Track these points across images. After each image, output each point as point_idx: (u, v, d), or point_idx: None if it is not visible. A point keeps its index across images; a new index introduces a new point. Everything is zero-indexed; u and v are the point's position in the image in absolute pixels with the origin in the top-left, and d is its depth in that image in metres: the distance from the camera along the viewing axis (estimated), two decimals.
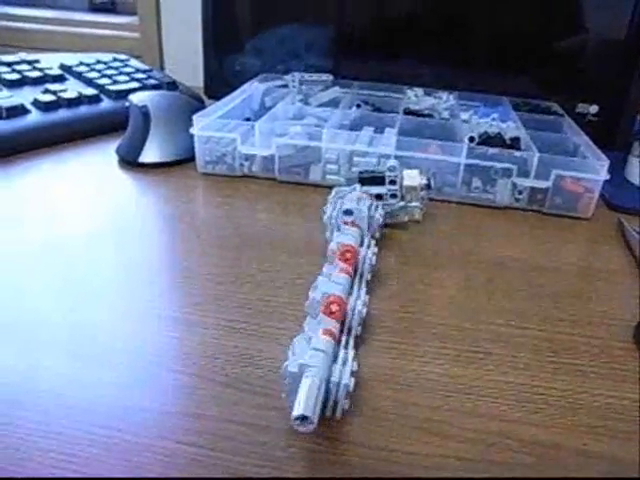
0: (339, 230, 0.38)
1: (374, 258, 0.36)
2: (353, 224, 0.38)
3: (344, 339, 0.29)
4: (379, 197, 0.43)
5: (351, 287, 0.32)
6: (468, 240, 0.44)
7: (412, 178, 0.44)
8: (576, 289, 0.38)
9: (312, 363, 0.25)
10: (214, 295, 0.35)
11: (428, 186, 0.44)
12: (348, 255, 0.34)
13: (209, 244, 0.40)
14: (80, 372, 0.28)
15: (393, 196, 0.43)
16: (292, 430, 0.25)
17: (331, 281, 0.31)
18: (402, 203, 0.44)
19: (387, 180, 0.43)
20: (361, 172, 0.44)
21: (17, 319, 0.31)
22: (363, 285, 0.33)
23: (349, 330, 0.30)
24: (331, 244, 0.35)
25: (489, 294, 0.37)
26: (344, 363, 0.26)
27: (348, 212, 0.39)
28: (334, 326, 0.28)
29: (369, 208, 0.39)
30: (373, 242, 0.38)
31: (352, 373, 0.25)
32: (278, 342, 0.31)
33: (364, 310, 0.30)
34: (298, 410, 0.23)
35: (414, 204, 0.45)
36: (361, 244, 0.37)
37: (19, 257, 0.37)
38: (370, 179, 0.43)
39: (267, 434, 0.25)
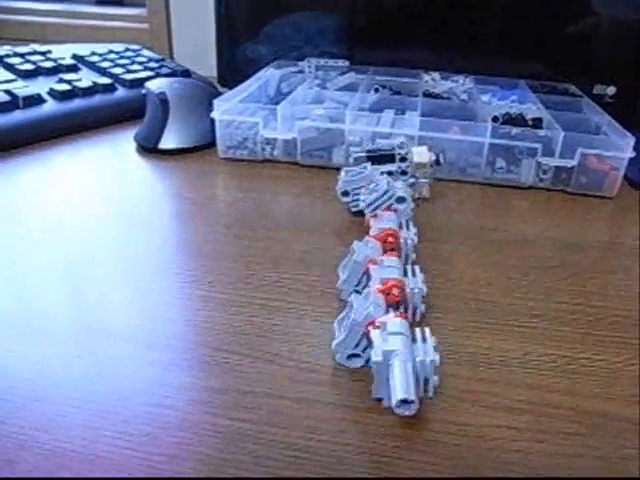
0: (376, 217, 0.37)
1: (416, 238, 0.35)
2: (389, 208, 0.38)
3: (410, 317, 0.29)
4: (389, 174, 0.43)
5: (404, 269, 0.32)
6: (493, 219, 0.44)
7: (421, 155, 0.43)
8: (605, 265, 0.38)
9: (395, 347, 0.24)
10: (244, 275, 0.34)
11: (437, 162, 0.44)
12: (391, 239, 0.34)
13: (234, 227, 0.40)
14: (124, 353, 0.27)
15: (403, 173, 0.43)
16: (343, 404, 0.25)
17: (385, 266, 0.31)
18: (412, 180, 0.44)
19: (397, 157, 0.43)
20: (369, 150, 0.43)
21: (53, 305, 0.31)
22: (415, 267, 0.32)
23: (414, 310, 0.30)
24: (372, 230, 0.35)
25: (519, 270, 0.37)
26: (424, 340, 0.25)
27: (401, 199, 0.38)
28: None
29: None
30: (411, 223, 0.37)
31: (434, 348, 0.25)
32: (316, 319, 0.31)
33: (424, 287, 0.30)
34: (399, 395, 0.22)
35: (423, 181, 0.44)
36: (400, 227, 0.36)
37: (39, 244, 0.37)
38: (379, 157, 0.43)
39: (319, 409, 0.25)
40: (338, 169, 0.44)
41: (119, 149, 0.54)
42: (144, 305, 0.31)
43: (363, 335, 0.26)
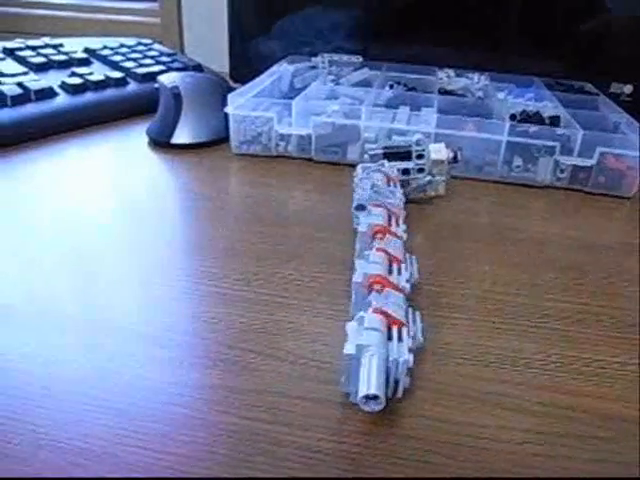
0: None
1: (405, 235, 0.34)
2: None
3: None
4: (406, 172, 0.42)
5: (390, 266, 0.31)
6: (510, 218, 0.43)
7: (439, 152, 0.43)
8: (623, 266, 0.37)
9: (368, 342, 0.24)
10: (258, 271, 0.34)
11: (455, 159, 0.43)
12: (379, 235, 0.33)
13: (247, 223, 0.40)
14: (136, 350, 0.27)
15: (420, 170, 0.42)
16: (355, 404, 0.24)
17: (370, 262, 0.30)
18: (429, 177, 0.43)
19: (414, 154, 0.42)
20: (385, 147, 0.43)
21: (64, 300, 0.31)
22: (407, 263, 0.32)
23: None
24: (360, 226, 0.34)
25: (537, 270, 0.36)
26: (400, 339, 0.25)
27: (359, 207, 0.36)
28: (383, 303, 0.27)
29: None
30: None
31: (410, 350, 0.24)
32: (330, 317, 0.30)
33: (407, 285, 0.29)
34: (366, 389, 0.22)
35: (439, 178, 0.44)
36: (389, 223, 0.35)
37: (50, 238, 0.37)
38: (395, 154, 0.42)
39: (330, 408, 0.24)
40: (353, 166, 0.43)
41: (131, 143, 0.53)
42: (156, 301, 0.31)
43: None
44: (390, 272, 0.29)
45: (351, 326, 0.25)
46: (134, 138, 0.54)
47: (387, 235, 0.32)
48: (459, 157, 0.43)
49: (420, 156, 0.42)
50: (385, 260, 0.30)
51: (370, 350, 0.23)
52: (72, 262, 0.34)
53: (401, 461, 0.22)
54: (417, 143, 0.42)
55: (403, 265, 0.30)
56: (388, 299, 0.27)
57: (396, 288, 0.28)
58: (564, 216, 0.44)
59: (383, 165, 0.40)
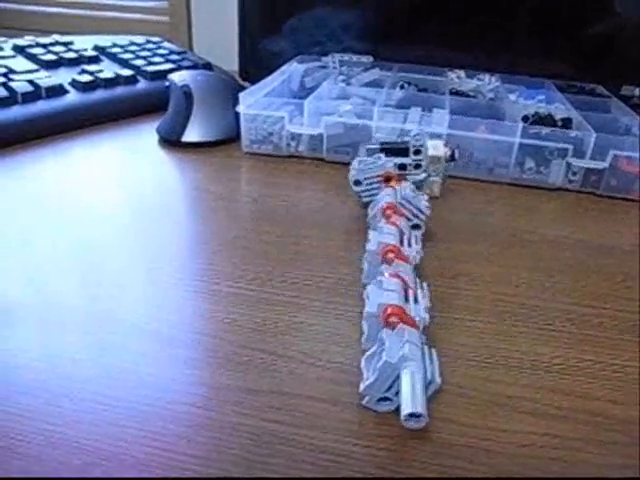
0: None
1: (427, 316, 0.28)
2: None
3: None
4: (402, 167, 0.42)
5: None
6: (520, 220, 0.43)
7: (437, 148, 0.42)
8: (636, 270, 0.37)
9: (411, 356, 0.23)
10: (269, 271, 0.34)
11: (452, 157, 0.43)
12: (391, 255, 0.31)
13: (258, 222, 0.39)
14: (150, 349, 0.27)
15: (417, 166, 0.42)
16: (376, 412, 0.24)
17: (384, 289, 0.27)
18: (425, 175, 0.43)
19: (412, 149, 0.42)
20: (382, 142, 0.43)
21: (76, 299, 0.31)
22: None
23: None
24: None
25: (551, 273, 0.36)
26: (431, 360, 0.25)
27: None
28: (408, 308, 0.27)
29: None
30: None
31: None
32: (344, 318, 0.30)
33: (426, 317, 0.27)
34: (410, 407, 0.22)
35: (435, 178, 0.43)
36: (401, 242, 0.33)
37: (60, 236, 0.36)
38: (392, 149, 0.42)
39: (349, 411, 0.24)
40: None
41: (141, 141, 0.53)
42: (169, 300, 0.31)
43: (397, 378, 0.24)
44: (406, 300, 0.28)
45: (388, 333, 0.25)
46: (144, 136, 0.54)
47: (397, 260, 0.30)
48: (456, 155, 0.43)
49: (417, 152, 0.42)
50: (400, 287, 0.28)
51: (411, 365, 0.23)
52: (82, 261, 0.34)
53: (419, 464, 0.22)
54: (415, 138, 0.42)
55: (420, 292, 0.28)
56: (403, 338, 0.25)
57: (412, 324, 0.26)
58: (576, 219, 0.44)
59: (380, 158, 0.40)
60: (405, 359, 0.23)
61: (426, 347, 0.26)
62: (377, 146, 0.42)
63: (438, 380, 0.24)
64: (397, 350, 0.24)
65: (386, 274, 0.29)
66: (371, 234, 0.33)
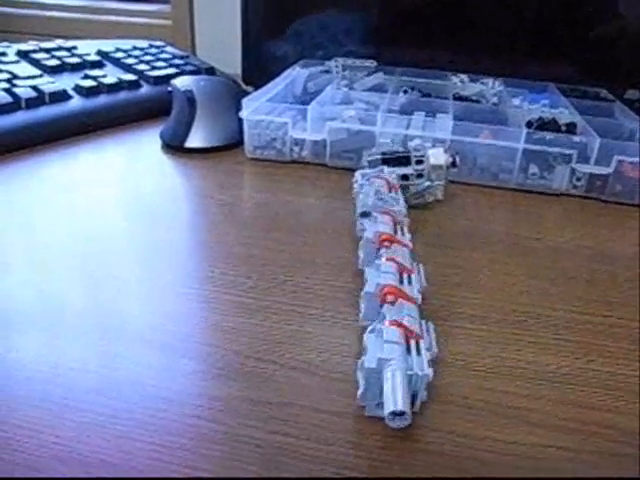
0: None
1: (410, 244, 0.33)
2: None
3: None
4: (405, 177, 0.42)
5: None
6: (524, 226, 0.43)
7: (438, 157, 0.42)
8: None
9: (390, 356, 0.23)
10: (272, 279, 0.34)
11: (454, 164, 0.43)
12: (387, 243, 0.32)
13: (261, 229, 0.39)
14: (155, 361, 0.27)
15: (420, 176, 0.42)
16: (380, 418, 0.24)
17: (381, 271, 0.29)
18: (427, 183, 0.43)
19: (413, 160, 0.42)
20: (384, 153, 0.43)
21: (81, 308, 0.30)
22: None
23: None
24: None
25: (555, 281, 0.36)
26: (418, 353, 0.25)
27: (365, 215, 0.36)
28: (398, 316, 0.27)
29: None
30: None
31: (430, 362, 0.24)
32: (346, 327, 0.30)
33: (419, 296, 0.29)
34: (393, 406, 0.22)
35: (437, 183, 0.43)
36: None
37: (62, 243, 0.36)
38: (394, 160, 0.42)
39: (353, 422, 0.24)
40: None
41: (144, 147, 0.53)
42: (173, 309, 0.30)
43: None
44: (401, 282, 0.29)
45: (369, 338, 0.25)
46: (147, 141, 0.54)
47: (394, 244, 0.32)
48: (457, 162, 0.43)
49: (419, 162, 0.42)
50: (396, 269, 0.30)
51: (392, 364, 0.23)
52: (85, 269, 0.34)
53: (424, 476, 0.22)
54: (416, 148, 0.42)
55: (413, 275, 0.30)
56: (402, 311, 0.27)
57: (409, 299, 0.28)
58: (581, 225, 0.44)
59: (382, 171, 0.40)
60: (385, 361, 0.23)
61: (423, 321, 0.26)
62: (379, 157, 0.42)
63: (436, 350, 0.24)
64: (376, 354, 0.24)
65: (383, 258, 0.29)
66: (366, 224, 0.34)
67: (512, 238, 0.41)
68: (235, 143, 0.52)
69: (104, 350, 0.27)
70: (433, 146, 0.46)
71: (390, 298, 0.27)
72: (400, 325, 0.25)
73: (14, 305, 0.30)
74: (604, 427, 0.25)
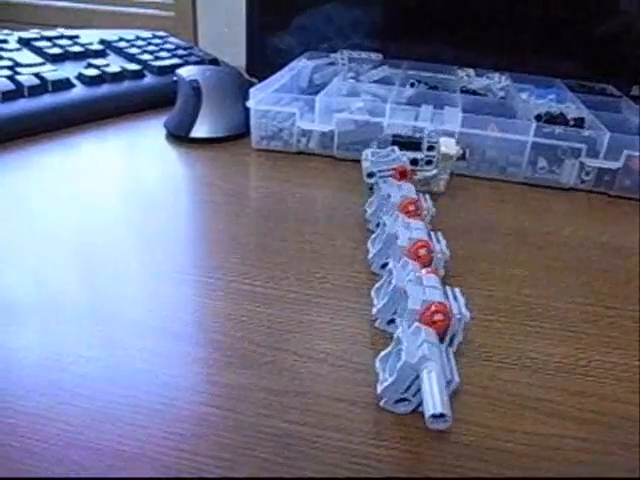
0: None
1: (448, 252, 0.32)
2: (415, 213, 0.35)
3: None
4: (414, 162, 0.41)
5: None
6: (535, 219, 0.42)
7: (449, 146, 0.42)
8: None
9: (431, 357, 0.23)
10: (284, 269, 0.33)
11: (463, 157, 0.43)
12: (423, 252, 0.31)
13: (270, 219, 0.39)
14: (166, 349, 0.26)
15: (429, 162, 0.42)
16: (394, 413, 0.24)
17: (425, 287, 0.27)
18: (435, 171, 0.43)
19: (425, 145, 0.42)
20: (394, 135, 0.42)
21: (90, 297, 0.30)
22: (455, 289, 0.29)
23: (452, 338, 0.27)
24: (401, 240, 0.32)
25: (566, 274, 0.35)
26: (448, 359, 0.24)
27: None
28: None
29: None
30: (439, 234, 0.34)
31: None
32: (359, 316, 0.29)
33: (468, 314, 0.27)
34: (434, 408, 0.21)
35: (443, 174, 0.43)
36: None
37: (65, 232, 0.36)
38: (404, 143, 0.42)
39: (371, 412, 0.24)
40: None
41: (148, 136, 0.52)
42: (183, 298, 0.30)
43: (416, 379, 0.23)
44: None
45: (404, 334, 0.24)
46: (151, 131, 0.53)
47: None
48: (467, 155, 0.43)
49: (431, 147, 0.42)
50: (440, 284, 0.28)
51: (431, 365, 0.23)
52: (89, 257, 0.33)
53: (440, 466, 0.21)
54: (430, 135, 0.42)
55: (457, 290, 0.28)
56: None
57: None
58: (590, 219, 0.43)
59: (394, 151, 0.40)
60: (425, 359, 0.23)
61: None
62: (389, 138, 0.42)
63: (457, 378, 0.23)
64: (416, 350, 0.23)
65: (423, 271, 0.28)
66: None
67: (522, 231, 0.40)
68: (241, 133, 0.52)
69: (112, 338, 0.27)
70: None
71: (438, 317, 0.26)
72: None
73: (14, 295, 0.29)
74: (619, 418, 0.25)
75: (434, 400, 0.21)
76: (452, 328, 0.26)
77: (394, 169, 0.39)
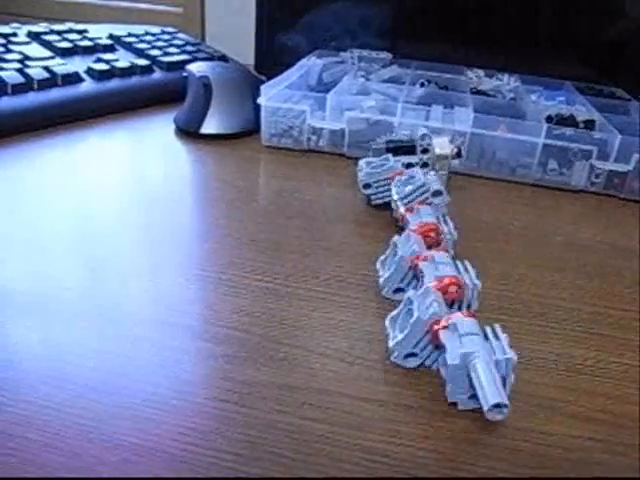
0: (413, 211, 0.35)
1: (455, 233, 0.34)
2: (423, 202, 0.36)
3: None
4: (410, 166, 0.41)
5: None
6: (546, 221, 0.42)
7: (443, 146, 0.42)
8: None
9: (473, 349, 0.23)
10: (297, 266, 0.33)
11: (459, 154, 0.42)
12: (433, 234, 0.32)
13: (281, 216, 0.39)
14: (182, 344, 0.26)
15: (424, 165, 0.42)
16: (420, 406, 0.24)
17: (437, 263, 0.29)
18: (432, 172, 0.42)
19: (419, 149, 0.42)
20: (388, 142, 0.42)
21: (107, 292, 0.30)
22: (465, 262, 0.31)
23: (468, 306, 0.28)
24: (411, 224, 0.33)
25: (580, 275, 0.35)
26: (496, 337, 0.24)
27: (437, 193, 0.36)
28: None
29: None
30: (448, 218, 0.35)
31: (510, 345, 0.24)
32: (372, 314, 0.29)
33: (479, 283, 0.29)
34: (492, 399, 0.21)
35: (441, 173, 0.43)
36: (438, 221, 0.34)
37: (73, 227, 0.36)
38: (399, 148, 0.42)
39: (393, 410, 0.23)
40: None
41: (157, 132, 0.52)
42: (197, 294, 0.30)
43: (425, 334, 0.25)
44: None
45: (445, 334, 0.24)
46: (160, 127, 0.53)
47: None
48: (462, 152, 0.43)
49: (425, 150, 0.42)
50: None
51: (478, 356, 0.23)
52: (100, 253, 0.33)
53: (458, 465, 0.21)
54: (422, 138, 0.41)
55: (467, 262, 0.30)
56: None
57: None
58: (600, 221, 0.43)
59: (388, 159, 0.40)
60: (469, 354, 0.23)
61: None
62: (383, 146, 0.42)
63: (511, 354, 0.23)
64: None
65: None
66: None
67: (533, 233, 0.40)
68: (250, 130, 0.52)
69: (126, 334, 0.26)
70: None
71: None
72: (473, 315, 0.25)
73: (26, 287, 0.29)
74: (634, 420, 0.24)
75: (494, 389, 0.22)
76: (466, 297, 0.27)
77: (388, 178, 0.39)
